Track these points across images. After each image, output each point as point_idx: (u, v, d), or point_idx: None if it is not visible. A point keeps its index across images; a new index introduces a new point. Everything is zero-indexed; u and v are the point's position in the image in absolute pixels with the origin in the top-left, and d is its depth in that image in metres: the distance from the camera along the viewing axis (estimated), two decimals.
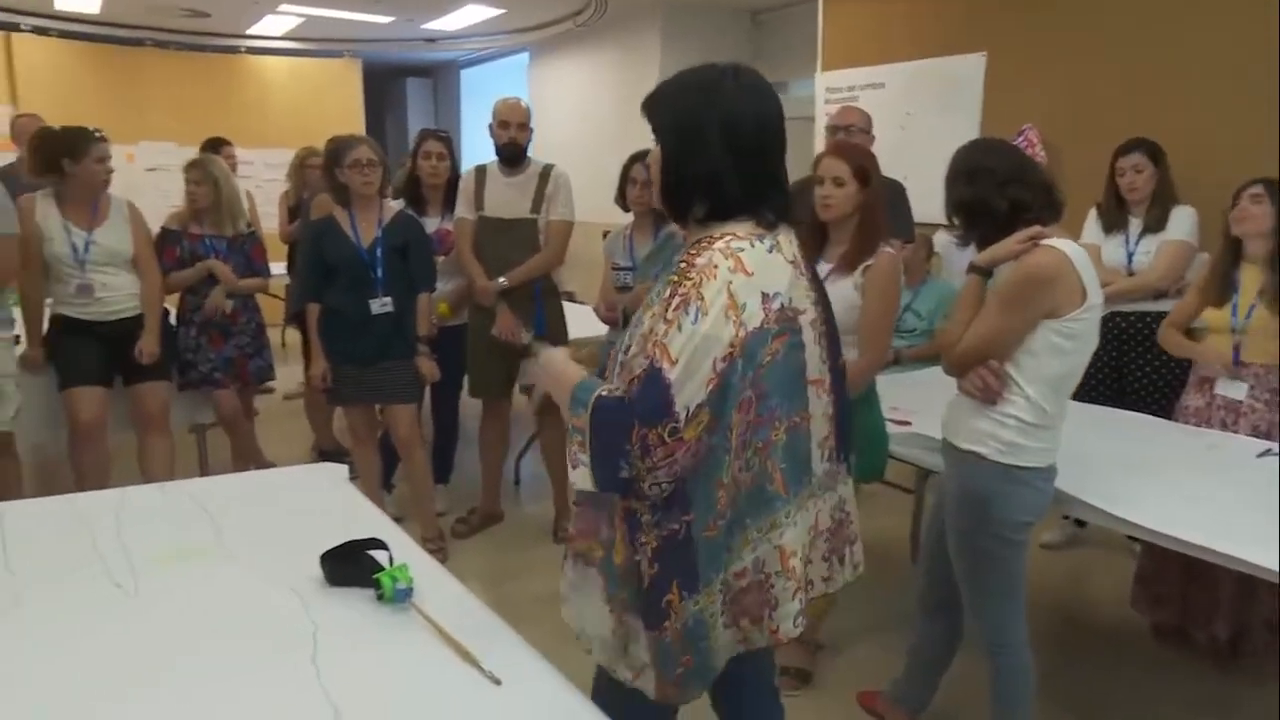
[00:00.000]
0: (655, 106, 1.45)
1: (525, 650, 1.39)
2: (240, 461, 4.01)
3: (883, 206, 2.41)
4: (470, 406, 3.96)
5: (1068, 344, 1.87)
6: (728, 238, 1.37)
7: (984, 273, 2.00)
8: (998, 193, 1.91)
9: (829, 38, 5.32)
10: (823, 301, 1.50)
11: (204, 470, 4.05)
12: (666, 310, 1.33)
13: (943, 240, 4.63)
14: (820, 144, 5.15)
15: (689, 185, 1.42)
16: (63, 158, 3.28)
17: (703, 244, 1.37)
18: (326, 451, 4.50)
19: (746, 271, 1.34)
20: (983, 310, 1.95)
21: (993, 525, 1.94)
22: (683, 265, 1.37)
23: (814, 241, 2.45)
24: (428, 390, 3.67)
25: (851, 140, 3.19)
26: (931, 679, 2.37)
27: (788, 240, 1.44)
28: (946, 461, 2.09)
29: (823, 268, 2.40)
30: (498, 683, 1.28)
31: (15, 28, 7.07)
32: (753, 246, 1.37)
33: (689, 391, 1.29)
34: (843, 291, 2.33)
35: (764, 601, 1.43)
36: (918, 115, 4.81)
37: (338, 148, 3.36)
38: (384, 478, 3.75)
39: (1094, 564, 3.62)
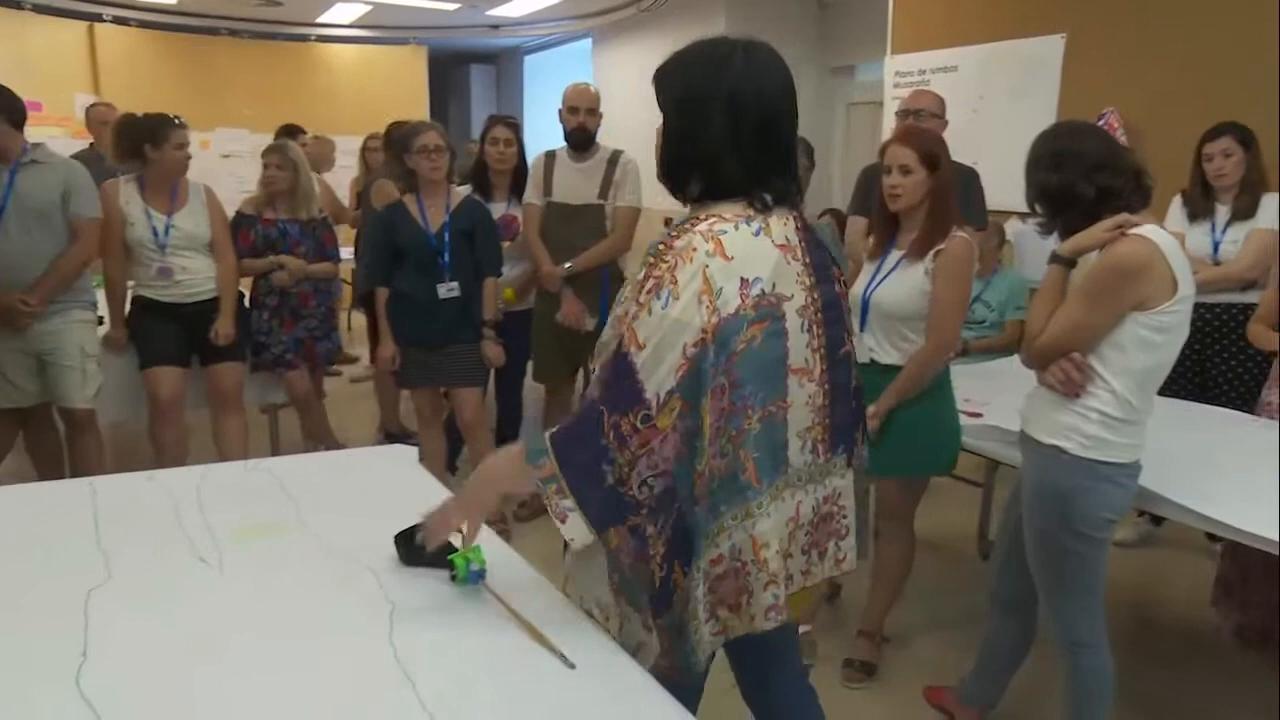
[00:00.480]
0: (663, 78, 1.40)
1: (597, 635, 1.39)
2: (311, 441, 4.10)
3: (953, 191, 2.35)
4: (533, 391, 4.00)
5: (1157, 337, 1.80)
6: (712, 220, 1.33)
7: (1067, 263, 1.93)
8: (1085, 179, 1.85)
9: (899, 19, 5.20)
10: (821, 288, 1.42)
11: (275, 449, 4.15)
12: (639, 293, 1.31)
13: (1015, 228, 4.52)
14: (889, 129, 5.05)
15: (687, 162, 1.39)
16: (144, 143, 3.38)
17: (686, 226, 1.35)
18: (392, 433, 4.58)
19: (726, 256, 1.30)
20: (1066, 302, 1.89)
21: (1074, 522, 1.88)
22: (660, 247, 1.34)
23: (885, 229, 2.41)
24: (492, 374, 3.71)
25: (922, 125, 3.12)
26: (1002, 677, 2.32)
27: (781, 223, 1.38)
28: (1024, 455, 2.03)
29: (894, 255, 2.36)
30: (572, 667, 1.28)
31: (98, 18, 7.30)
32: (736, 230, 1.33)
33: (659, 378, 1.27)
34: (913, 278, 2.28)
35: (740, 589, 1.40)
36: (991, 99, 4.68)
37: (406, 133, 3.41)
38: (448, 460, 3.80)
39: (1169, 563, 3.51)
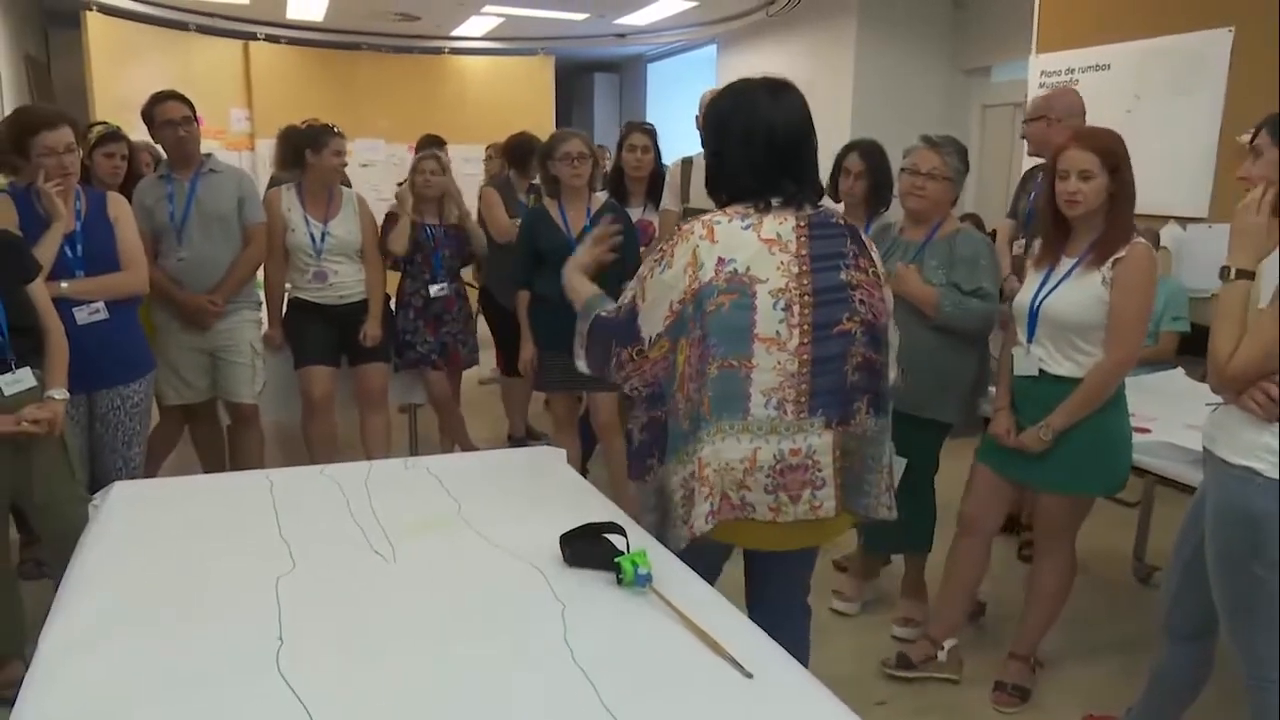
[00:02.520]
0: (705, 109, 1.93)
1: (770, 644, 1.37)
2: (447, 440, 4.23)
3: (1131, 195, 2.23)
4: None
5: None
6: (716, 214, 1.75)
7: (1249, 275, 1.77)
8: None
9: (1046, 17, 4.98)
10: (816, 276, 1.72)
11: (414, 448, 4.29)
12: (653, 262, 1.77)
13: (1173, 234, 4.27)
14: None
15: (710, 175, 1.85)
16: (305, 149, 3.56)
17: (698, 216, 1.77)
18: (517, 438, 4.66)
19: (713, 240, 1.71)
20: (1261, 319, 1.73)
21: (1266, 549, 1.74)
22: (674, 229, 1.80)
23: (1054, 235, 2.30)
24: None
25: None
26: (1173, 711, 2.18)
27: (777, 221, 1.74)
28: (1209, 476, 1.90)
29: (1066, 263, 2.25)
30: (749, 676, 1.26)
31: (253, 37, 7.74)
32: (729, 223, 1.73)
33: (651, 323, 1.75)
34: (1089, 286, 2.18)
35: (690, 503, 1.74)
36: (1148, 99, 4.43)
37: (550, 141, 3.47)
38: (582, 461, 3.84)
39: None
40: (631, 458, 1.87)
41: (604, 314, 1.85)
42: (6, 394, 2.30)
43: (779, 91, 1.78)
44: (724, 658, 1.30)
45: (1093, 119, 3.40)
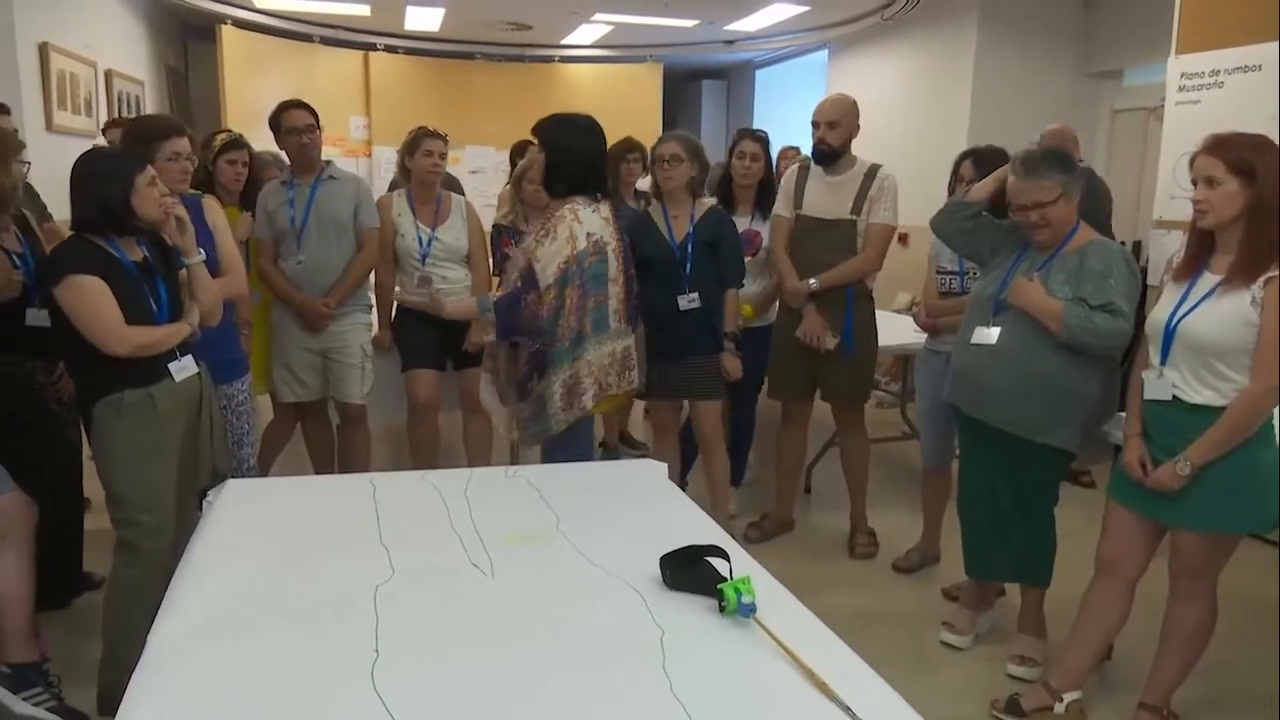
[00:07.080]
0: (544, 131, 2.77)
1: (880, 684, 1.28)
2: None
3: (1275, 207, 2.02)
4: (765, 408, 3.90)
5: None
6: (574, 203, 2.64)
7: None
8: None
9: (1188, 15, 4.66)
10: (623, 243, 2.76)
11: (515, 454, 4.30)
12: (541, 236, 2.61)
13: None
14: (1172, 135, 4.55)
15: (558, 177, 2.71)
16: (406, 155, 3.62)
17: (565, 206, 2.65)
18: (609, 446, 4.61)
19: (580, 221, 2.62)
20: None
21: None
22: (550, 213, 2.68)
23: (1196, 249, 2.12)
24: None
25: None
26: None
27: (604, 207, 2.72)
28: None
29: (1209, 279, 2.07)
30: None
31: (373, 47, 8.00)
32: (585, 209, 2.65)
33: (546, 279, 2.56)
34: (1236, 307, 1.99)
35: (576, 393, 2.64)
36: None
37: (655, 144, 3.43)
38: (681, 472, 3.77)
39: None
40: (518, 386, 2.70)
41: (500, 296, 2.68)
42: (178, 380, 2.38)
43: (592, 129, 2.77)
44: (834, 701, 1.22)
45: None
